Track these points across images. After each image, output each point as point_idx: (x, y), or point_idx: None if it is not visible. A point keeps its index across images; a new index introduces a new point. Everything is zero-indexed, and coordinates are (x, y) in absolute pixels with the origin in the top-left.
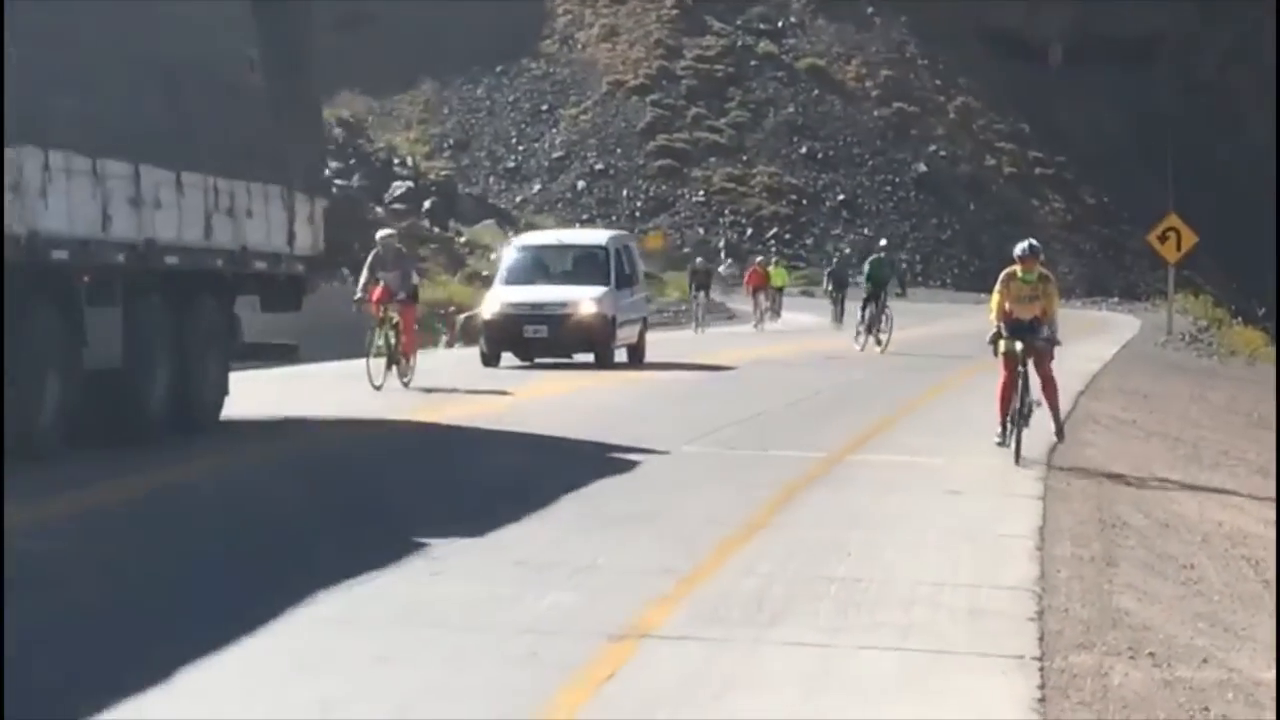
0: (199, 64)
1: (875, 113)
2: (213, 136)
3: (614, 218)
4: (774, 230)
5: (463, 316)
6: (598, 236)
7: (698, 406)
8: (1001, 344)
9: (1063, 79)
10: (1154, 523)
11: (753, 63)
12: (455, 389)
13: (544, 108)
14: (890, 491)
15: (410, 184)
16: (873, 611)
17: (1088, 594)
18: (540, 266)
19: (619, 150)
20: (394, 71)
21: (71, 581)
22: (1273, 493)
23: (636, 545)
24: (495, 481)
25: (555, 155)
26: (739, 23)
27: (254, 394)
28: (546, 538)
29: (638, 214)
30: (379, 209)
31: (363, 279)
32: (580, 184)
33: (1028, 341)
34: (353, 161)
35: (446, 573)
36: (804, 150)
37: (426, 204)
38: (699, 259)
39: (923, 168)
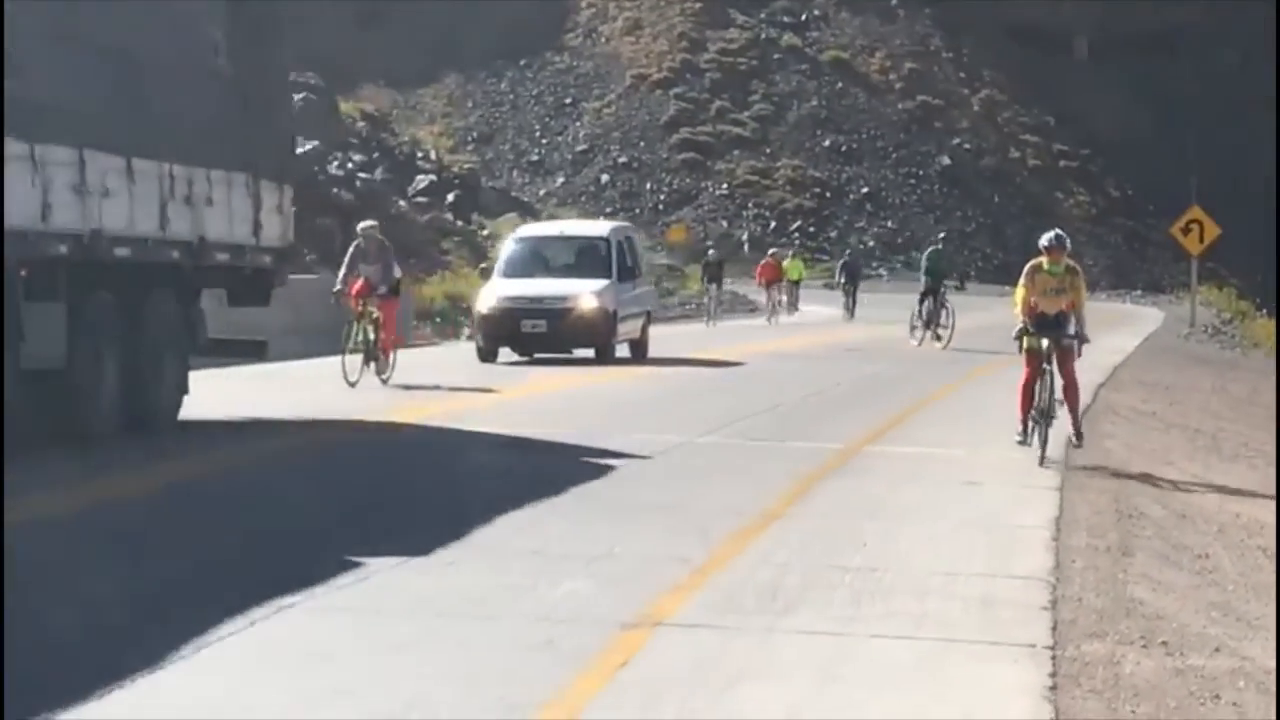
0: (155, 43)
1: (899, 105)
2: (170, 121)
3: (637, 211)
4: (797, 223)
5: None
6: (599, 228)
7: (711, 401)
8: (1027, 340)
9: (1087, 71)
10: (1171, 513)
11: (776, 56)
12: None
13: (567, 101)
14: (908, 482)
15: (434, 177)
16: (887, 601)
17: (1102, 583)
18: (539, 259)
19: (642, 144)
20: (418, 65)
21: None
22: None
23: (652, 535)
24: (502, 476)
25: (579, 149)
26: (763, 16)
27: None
28: (561, 528)
29: (661, 207)
30: (402, 203)
31: (342, 272)
32: (604, 177)
33: (1054, 338)
34: (376, 155)
35: (460, 563)
36: (827, 143)
37: (450, 197)
38: (711, 251)
39: (946, 161)
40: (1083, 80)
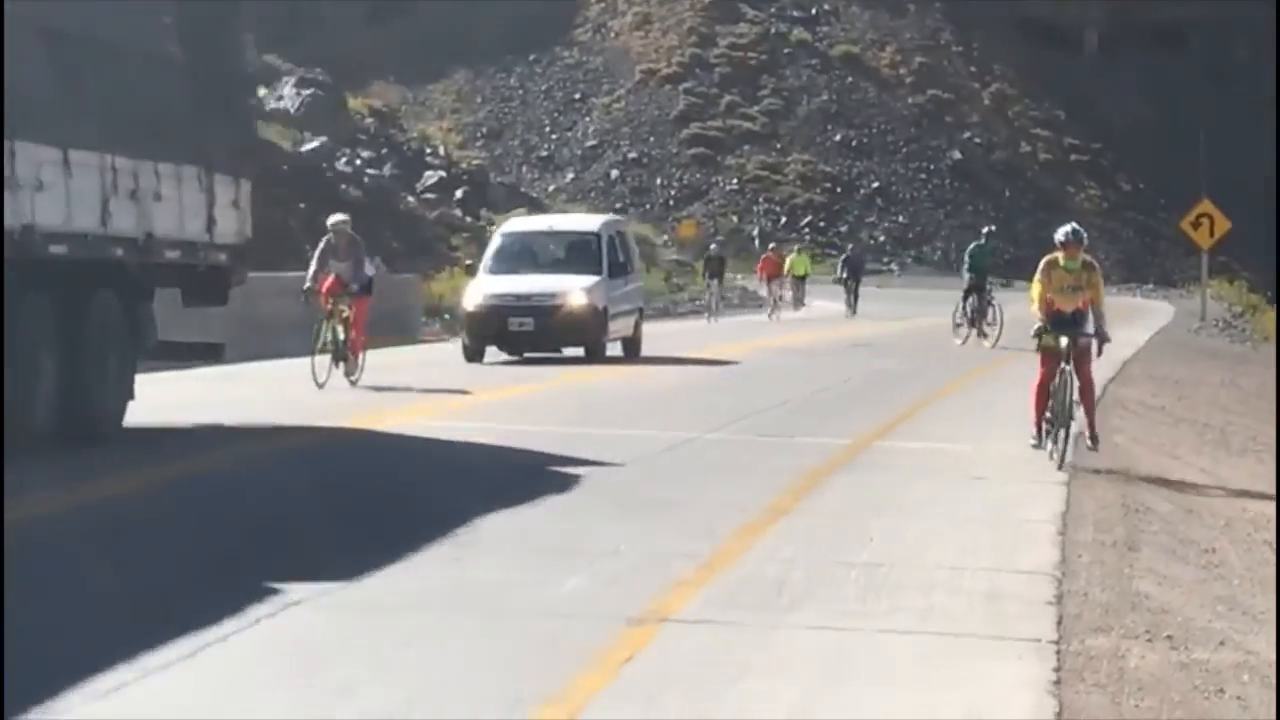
0: (97, 25)
1: (909, 100)
2: (113, 109)
3: (648, 206)
4: (808, 218)
5: None
6: (589, 222)
7: (716, 398)
8: (1044, 339)
9: (1097, 65)
10: (1178, 508)
11: (786, 50)
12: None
13: (577, 96)
14: (915, 478)
15: (442, 173)
16: (892, 596)
17: (1108, 578)
18: (528, 254)
19: (652, 139)
20: (426, 61)
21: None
22: None
23: (659, 531)
24: (502, 473)
25: (588, 144)
26: (772, 10)
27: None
28: (567, 525)
29: (671, 202)
30: (411, 199)
31: (312, 268)
32: (613, 173)
33: (1073, 337)
34: (384, 151)
35: (466, 559)
36: (838, 138)
37: (459, 193)
38: (713, 246)
39: (957, 155)
40: (1093, 74)
